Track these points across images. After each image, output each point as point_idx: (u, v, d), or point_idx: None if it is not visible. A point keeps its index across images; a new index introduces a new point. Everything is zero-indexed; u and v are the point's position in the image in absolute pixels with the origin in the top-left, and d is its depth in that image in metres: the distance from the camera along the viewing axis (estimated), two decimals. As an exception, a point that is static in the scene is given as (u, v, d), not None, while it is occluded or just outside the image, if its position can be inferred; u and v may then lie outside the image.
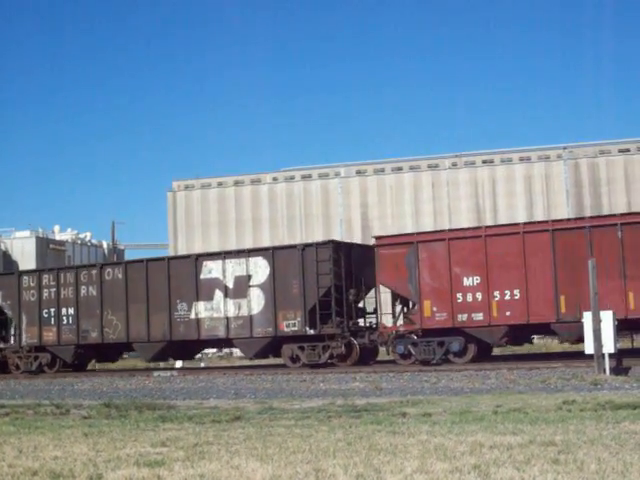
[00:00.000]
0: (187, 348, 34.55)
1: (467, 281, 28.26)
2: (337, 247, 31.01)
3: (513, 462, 9.05)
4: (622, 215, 28.53)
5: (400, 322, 29.69)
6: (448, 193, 55.09)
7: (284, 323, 30.57)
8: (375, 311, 30.90)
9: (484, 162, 56.06)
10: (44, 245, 68.33)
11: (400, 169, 57.35)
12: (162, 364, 40.09)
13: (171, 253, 55.19)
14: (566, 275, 26.76)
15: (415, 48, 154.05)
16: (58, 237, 73.25)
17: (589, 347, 22.65)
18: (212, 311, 31.93)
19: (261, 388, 24.67)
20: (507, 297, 27.58)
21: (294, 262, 30.67)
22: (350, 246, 32.70)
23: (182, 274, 32.70)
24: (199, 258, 33.01)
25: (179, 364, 41.60)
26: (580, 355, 24.94)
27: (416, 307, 29.08)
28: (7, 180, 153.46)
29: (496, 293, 27.72)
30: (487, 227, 30.87)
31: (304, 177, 58.74)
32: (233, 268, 31.74)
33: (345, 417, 15.39)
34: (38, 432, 14.45)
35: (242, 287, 31.42)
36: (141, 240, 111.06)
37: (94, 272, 34.70)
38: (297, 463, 9.65)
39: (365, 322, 31.86)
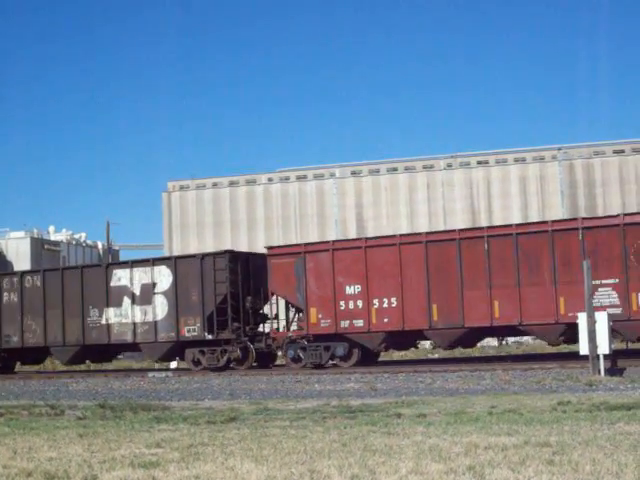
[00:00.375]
0: (100, 352, 36.00)
1: (349, 289, 29.79)
2: (234, 257, 32.62)
3: (508, 463, 9.05)
4: (488, 228, 30.42)
5: (294, 328, 31.13)
6: (443, 194, 55.18)
7: (185, 329, 32.37)
8: (275, 317, 32.36)
9: (479, 163, 56.17)
10: (39, 246, 68.33)
11: (395, 170, 57.45)
12: (157, 365, 40.23)
13: (166, 253, 55.18)
14: (438, 285, 28.38)
15: (410, 50, 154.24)
16: (53, 237, 73.25)
17: (584, 348, 22.68)
18: (121, 317, 33.77)
19: (256, 389, 24.66)
20: (385, 305, 29.14)
21: (194, 271, 32.38)
22: (248, 255, 34.38)
23: (94, 282, 34.40)
24: (109, 266, 35.27)
25: (174, 365, 41.60)
26: (575, 356, 24.98)
27: (303, 314, 30.68)
28: (2, 180, 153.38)
29: (375, 301, 29.27)
30: (367, 239, 32.20)
31: (299, 178, 58.80)
32: (140, 276, 33.53)
33: (340, 418, 15.40)
34: (33, 433, 14.42)
35: (148, 294, 33.16)
36: (136, 241, 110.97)
37: (15, 279, 36.45)
38: (292, 464, 9.65)
39: (264, 328, 33.16)
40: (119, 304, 33.65)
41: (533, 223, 32.26)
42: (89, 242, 77.83)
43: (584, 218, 29.55)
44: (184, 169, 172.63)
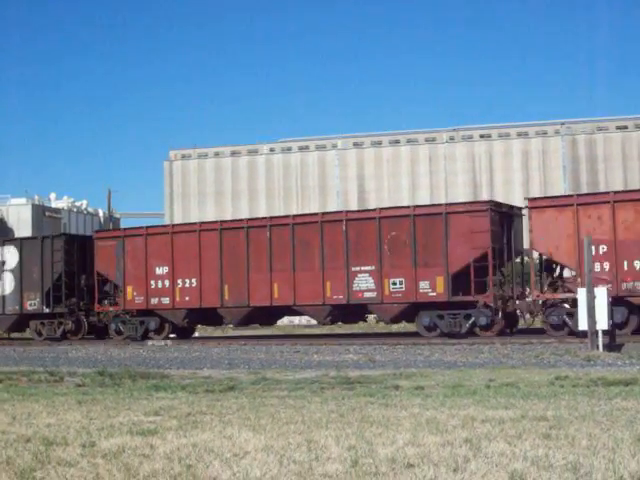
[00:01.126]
0: None
1: (159, 270, 33.77)
2: (70, 239, 37.38)
3: (505, 436, 9.07)
4: (271, 218, 33.68)
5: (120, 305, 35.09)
6: (445, 167, 55.08)
7: (28, 303, 36.49)
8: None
9: (482, 136, 55.98)
10: (40, 213, 68.28)
11: (397, 142, 57.26)
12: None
13: (167, 222, 55.16)
14: (230, 268, 32.14)
15: (415, 21, 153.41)
16: (54, 205, 73.15)
17: (583, 324, 22.69)
18: None
19: (255, 359, 24.71)
20: (187, 285, 33.07)
21: (36, 251, 36.36)
22: (84, 238, 38.64)
23: None
24: None
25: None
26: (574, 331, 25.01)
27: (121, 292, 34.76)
28: (4, 146, 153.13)
29: (179, 281, 33.25)
30: (174, 225, 38.10)
31: (301, 148, 58.64)
32: None
33: (338, 389, 15.43)
34: (32, 399, 14.46)
35: None
36: (137, 209, 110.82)
37: None
38: (289, 434, 9.67)
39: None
40: None
41: (307, 214, 35.90)
42: (90, 210, 77.78)
43: (348, 211, 33.37)
44: (186, 138, 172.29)
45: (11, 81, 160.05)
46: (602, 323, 22.30)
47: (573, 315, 25.85)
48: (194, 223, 36.05)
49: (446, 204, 31.30)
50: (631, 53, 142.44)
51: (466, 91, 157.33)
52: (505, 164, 54.08)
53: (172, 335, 34.76)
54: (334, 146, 57.85)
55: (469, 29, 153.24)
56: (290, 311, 33.14)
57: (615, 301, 25.17)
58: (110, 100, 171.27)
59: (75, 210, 74.30)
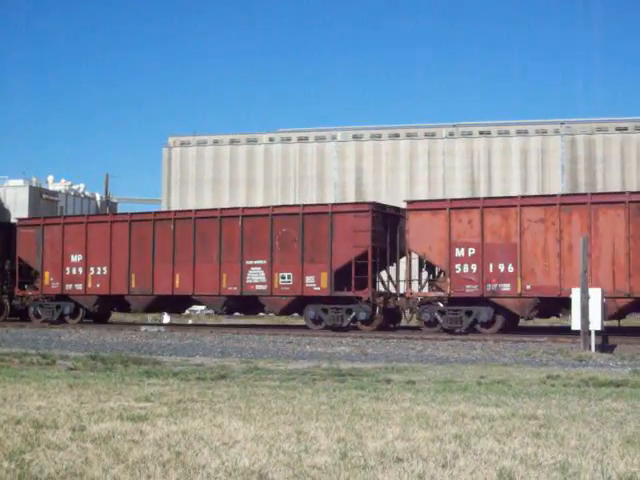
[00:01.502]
0: None
1: (74, 258, 35.72)
2: None
3: (494, 434, 9.09)
4: (176, 212, 36.61)
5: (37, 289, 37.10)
6: (444, 162, 54.98)
7: None
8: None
9: (481, 133, 55.90)
10: (37, 195, 68.09)
11: (397, 136, 57.15)
12: (150, 319, 40.76)
13: (164, 208, 55.15)
14: (137, 257, 34.00)
15: (417, 15, 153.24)
16: (52, 187, 72.97)
17: (576, 323, 22.73)
18: None
19: (247, 348, 24.74)
20: (99, 272, 35.06)
21: None
22: (11, 225, 39.91)
23: None
24: None
25: (166, 319, 41.70)
26: (567, 331, 25.06)
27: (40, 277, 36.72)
28: (3, 128, 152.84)
29: (92, 269, 35.22)
30: (89, 215, 41.31)
31: (300, 139, 58.53)
32: None
33: (330, 381, 15.46)
34: (23, 381, 14.47)
35: None
36: (135, 194, 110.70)
37: None
38: (280, 424, 9.69)
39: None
40: None
41: (208, 209, 37.99)
42: (87, 194, 77.57)
43: (244, 208, 34.97)
44: (186, 125, 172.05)
45: (10, 62, 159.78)
46: (595, 324, 22.35)
47: (444, 313, 28.62)
48: (106, 214, 39.17)
49: (332, 204, 33.23)
50: (632, 54, 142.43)
51: (466, 88, 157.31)
52: (504, 161, 53.98)
53: (88, 320, 36.77)
54: (333, 138, 57.72)
55: (472, 25, 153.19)
56: (191, 301, 34.95)
57: (481, 301, 28.19)
58: (110, 84, 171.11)
59: (72, 193, 74.08)
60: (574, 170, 53.48)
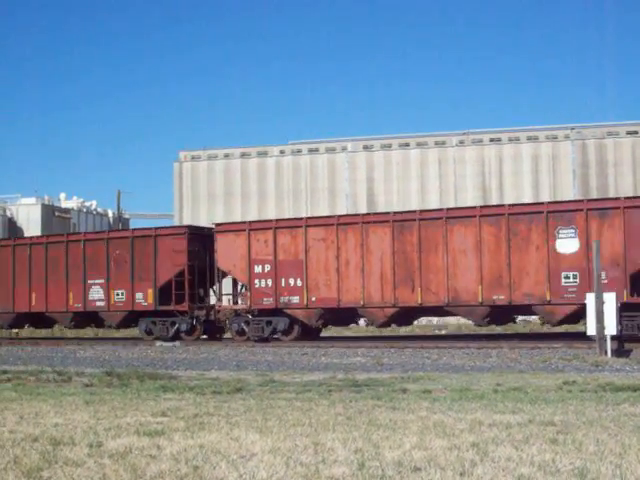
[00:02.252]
0: None
1: None
2: None
3: (512, 441, 9.06)
4: (31, 238, 41.14)
5: None
6: (455, 171, 54.89)
7: None
8: None
9: (491, 140, 55.82)
10: (49, 213, 68.40)
11: (407, 145, 57.10)
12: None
13: (176, 223, 55.18)
14: (0, 279, 37.73)
15: (426, 23, 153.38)
16: (64, 205, 73.24)
17: (591, 329, 22.65)
18: None
19: (263, 360, 24.74)
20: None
21: None
22: None
23: None
24: None
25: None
26: (582, 336, 24.98)
27: None
28: (15, 146, 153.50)
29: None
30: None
31: (311, 151, 58.54)
32: None
33: (345, 391, 15.44)
34: (40, 399, 14.50)
35: None
36: (147, 210, 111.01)
37: None
38: (296, 436, 9.67)
39: None
40: None
41: (56, 235, 41.07)
42: (99, 210, 77.89)
43: (86, 232, 42.75)
44: (196, 139, 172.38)
45: (22, 79, 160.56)
46: (610, 328, 22.26)
47: (249, 323, 32.13)
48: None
49: (155, 228, 36.07)
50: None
51: (476, 95, 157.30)
52: (515, 168, 53.86)
53: None
54: (344, 149, 57.75)
55: (481, 32, 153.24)
56: (45, 317, 37.87)
57: (279, 312, 31.57)
58: (120, 100, 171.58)
59: (84, 210, 74.43)
60: (586, 175, 53.34)
